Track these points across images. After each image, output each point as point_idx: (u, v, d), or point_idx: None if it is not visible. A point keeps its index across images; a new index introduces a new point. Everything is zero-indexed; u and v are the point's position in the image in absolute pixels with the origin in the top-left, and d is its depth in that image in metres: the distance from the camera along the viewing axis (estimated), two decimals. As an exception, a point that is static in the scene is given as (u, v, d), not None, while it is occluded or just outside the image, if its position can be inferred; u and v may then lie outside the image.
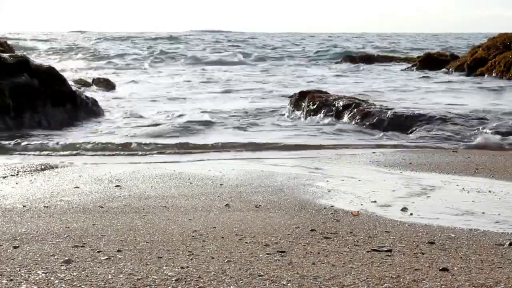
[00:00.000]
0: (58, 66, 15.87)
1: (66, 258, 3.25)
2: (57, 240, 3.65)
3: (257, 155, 7.73)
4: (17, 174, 6.08)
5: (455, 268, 3.19)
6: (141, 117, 11.64)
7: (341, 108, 10.83)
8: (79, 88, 13.12)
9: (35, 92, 10.13)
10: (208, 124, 10.75)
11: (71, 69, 24.53)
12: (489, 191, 5.33)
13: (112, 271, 3.08)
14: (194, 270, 3.10)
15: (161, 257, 3.31)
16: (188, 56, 35.70)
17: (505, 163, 6.93)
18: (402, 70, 24.67)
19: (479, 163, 6.91)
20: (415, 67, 23.89)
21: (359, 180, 5.86)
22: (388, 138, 9.31)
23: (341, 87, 17.38)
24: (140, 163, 7.09)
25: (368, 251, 3.49)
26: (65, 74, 12.30)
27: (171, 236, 3.78)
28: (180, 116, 11.60)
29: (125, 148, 8.11)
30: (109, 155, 7.77)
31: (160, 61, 33.41)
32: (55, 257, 3.30)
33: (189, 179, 5.88)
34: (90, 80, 17.04)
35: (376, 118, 10.16)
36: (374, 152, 7.84)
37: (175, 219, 4.28)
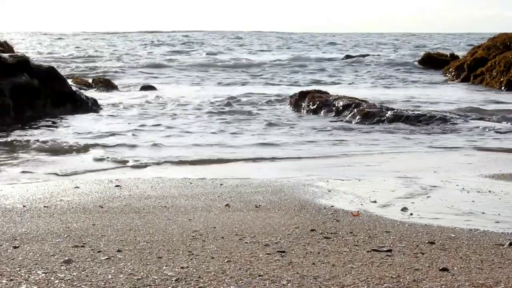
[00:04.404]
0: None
1: (66, 258, 3.25)
2: (57, 240, 3.65)
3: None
4: (17, 174, 6.08)
5: (455, 268, 3.19)
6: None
7: (341, 108, 10.82)
8: (79, 88, 13.12)
9: (35, 92, 10.14)
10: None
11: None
12: (489, 191, 5.33)
13: (112, 271, 3.08)
14: (194, 270, 3.10)
15: (161, 257, 3.31)
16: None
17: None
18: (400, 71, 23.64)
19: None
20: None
21: (359, 180, 5.86)
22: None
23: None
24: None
25: (368, 251, 3.49)
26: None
27: (171, 236, 3.78)
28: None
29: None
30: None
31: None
32: (55, 257, 3.30)
33: (189, 179, 5.88)
34: (90, 80, 17.03)
35: (376, 118, 10.16)
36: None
37: (175, 219, 4.28)
